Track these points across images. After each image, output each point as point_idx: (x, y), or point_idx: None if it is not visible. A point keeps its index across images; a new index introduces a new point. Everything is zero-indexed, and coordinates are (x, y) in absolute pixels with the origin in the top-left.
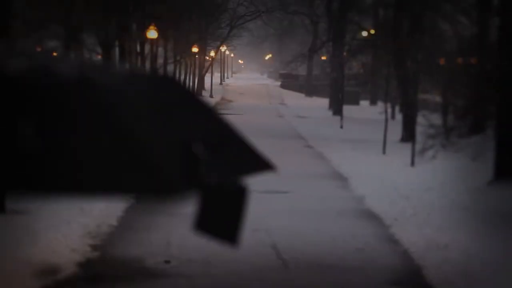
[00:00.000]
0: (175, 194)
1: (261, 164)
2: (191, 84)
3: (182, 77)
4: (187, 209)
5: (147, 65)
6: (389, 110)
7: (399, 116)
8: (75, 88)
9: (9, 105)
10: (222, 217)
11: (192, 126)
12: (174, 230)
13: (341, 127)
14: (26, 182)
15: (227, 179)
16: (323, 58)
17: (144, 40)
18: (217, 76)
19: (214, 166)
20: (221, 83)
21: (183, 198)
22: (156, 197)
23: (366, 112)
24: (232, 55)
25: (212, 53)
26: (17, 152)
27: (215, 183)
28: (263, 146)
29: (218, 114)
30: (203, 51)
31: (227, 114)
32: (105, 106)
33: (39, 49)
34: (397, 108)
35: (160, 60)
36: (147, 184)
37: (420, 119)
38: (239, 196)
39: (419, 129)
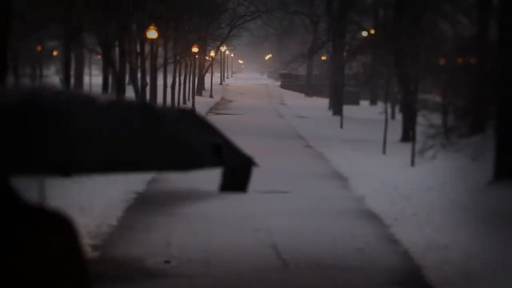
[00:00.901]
0: (204, 168)
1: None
2: (191, 84)
3: (182, 77)
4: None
5: (147, 65)
6: (389, 110)
7: (399, 116)
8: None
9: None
10: (238, 179)
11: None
12: (174, 230)
13: (341, 127)
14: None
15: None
16: (323, 58)
17: (144, 40)
18: (217, 76)
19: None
20: (221, 83)
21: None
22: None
23: (366, 112)
24: (232, 55)
25: (212, 53)
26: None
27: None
28: (263, 146)
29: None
30: (203, 51)
31: (227, 114)
32: (168, 124)
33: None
34: (397, 108)
35: (160, 60)
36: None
37: (420, 119)
38: (248, 165)
39: (419, 129)
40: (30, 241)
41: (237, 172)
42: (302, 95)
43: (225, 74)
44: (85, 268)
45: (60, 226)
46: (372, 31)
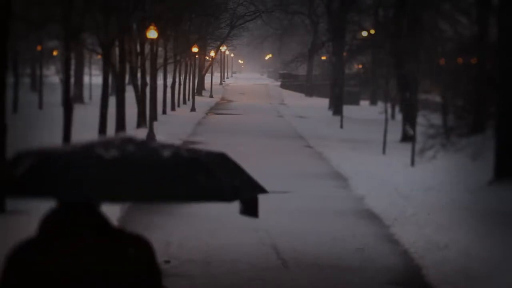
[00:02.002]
0: (227, 201)
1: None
2: (191, 84)
3: (182, 77)
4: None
5: (147, 65)
6: (389, 110)
7: (399, 116)
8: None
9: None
10: (251, 207)
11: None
12: (174, 230)
13: (341, 127)
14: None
15: (249, 194)
16: (323, 58)
17: (144, 40)
18: (217, 76)
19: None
20: (221, 83)
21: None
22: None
23: (366, 112)
24: (232, 55)
25: (212, 53)
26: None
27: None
28: (263, 146)
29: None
30: (203, 51)
31: (227, 114)
32: (203, 163)
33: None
34: (397, 108)
35: (160, 60)
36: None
37: (420, 119)
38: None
39: (419, 129)
40: (119, 259)
41: (250, 203)
42: (302, 95)
43: (225, 74)
44: (161, 281)
45: (143, 246)
46: (372, 31)
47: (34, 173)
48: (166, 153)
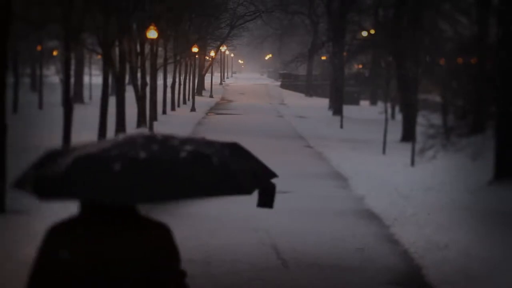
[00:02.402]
0: (246, 193)
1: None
2: (191, 84)
3: (182, 77)
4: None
5: (147, 65)
6: (389, 110)
7: (399, 116)
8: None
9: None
10: (268, 198)
11: (249, 162)
12: (174, 230)
13: (341, 127)
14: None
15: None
16: (323, 58)
17: (144, 40)
18: (217, 76)
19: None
20: (221, 83)
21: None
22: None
23: (366, 112)
24: (232, 55)
25: (212, 53)
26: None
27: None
28: (263, 146)
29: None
30: (203, 51)
31: (227, 114)
32: (220, 161)
33: (39, 49)
34: (397, 108)
35: (160, 60)
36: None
37: (420, 119)
38: (272, 188)
39: (419, 129)
40: (141, 242)
41: (267, 194)
42: (302, 95)
43: (225, 74)
44: (179, 265)
45: (163, 231)
46: (372, 31)
47: (71, 175)
48: (188, 150)
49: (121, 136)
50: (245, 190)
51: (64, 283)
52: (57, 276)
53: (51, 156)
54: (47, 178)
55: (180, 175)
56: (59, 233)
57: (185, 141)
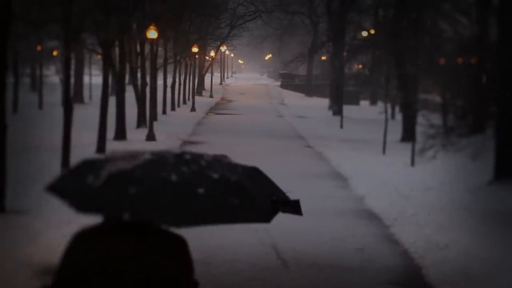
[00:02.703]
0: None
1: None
2: (191, 84)
3: (182, 77)
4: None
5: (147, 65)
6: (389, 110)
7: (399, 116)
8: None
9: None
10: (295, 208)
11: (268, 188)
12: (174, 230)
13: (341, 127)
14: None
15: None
16: (323, 58)
17: (144, 40)
18: (217, 76)
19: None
20: (221, 83)
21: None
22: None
23: (366, 112)
24: (232, 55)
25: (212, 53)
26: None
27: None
28: (264, 146)
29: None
30: (203, 51)
31: (227, 114)
32: (241, 183)
33: (39, 49)
34: (397, 108)
35: (160, 60)
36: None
37: (420, 119)
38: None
39: (419, 129)
40: (156, 252)
41: (294, 207)
42: (302, 95)
43: (225, 74)
44: (192, 274)
45: (180, 243)
46: (372, 31)
47: (105, 193)
48: (214, 176)
49: (151, 152)
50: (266, 219)
51: (84, 284)
52: (80, 277)
53: (88, 166)
54: (83, 194)
55: (210, 203)
56: (84, 238)
57: (212, 162)
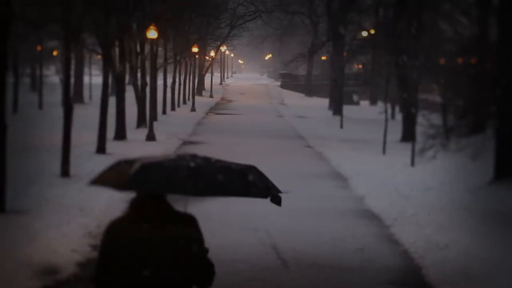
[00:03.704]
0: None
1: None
2: (191, 84)
3: (182, 77)
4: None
5: (147, 65)
6: (389, 110)
7: (399, 116)
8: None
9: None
10: (277, 197)
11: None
12: None
13: (341, 127)
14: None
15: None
16: (323, 58)
17: (144, 40)
18: (217, 76)
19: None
20: (221, 83)
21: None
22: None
23: (366, 112)
24: (232, 55)
25: (212, 53)
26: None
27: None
28: (263, 146)
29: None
30: (203, 51)
31: (227, 114)
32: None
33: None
34: (397, 108)
35: (160, 60)
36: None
37: (420, 119)
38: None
39: (419, 129)
40: (179, 228)
41: (277, 197)
42: (302, 95)
43: (225, 74)
44: (203, 243)
45: (192, 220)
46: (372, 31)
47: (139, 175)
48: (222, 165)
49: (173, 155)
50: (263, 195)
51: (124, 263)
52: (119, 258)
53: (122, 162)
54: (122, 177)
55: (220, 180)
56: (115, 230)
57: (218, 159)
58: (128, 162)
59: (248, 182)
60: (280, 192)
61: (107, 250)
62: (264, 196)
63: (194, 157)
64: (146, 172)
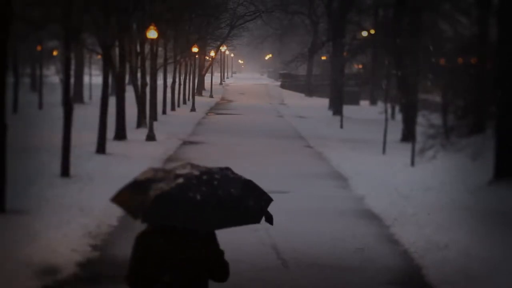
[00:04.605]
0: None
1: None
2: (191, 84)
3: (182, 77)
4: None
5: (147, 65)
6: (389, 110)
7: (399, 116)
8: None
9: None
10: (269, 217)
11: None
12: None
13: (341, 127)
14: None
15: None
16: (323, 58)
17: (144, 40)
18: (217, 76)
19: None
20: (221, 83)
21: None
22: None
23: (366, 112)
24: (232, 55)
25: (212, 53)
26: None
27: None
28: (264, 146)
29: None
30: (203, 51)
31: (228, 114)
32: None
33: (39, 49)
34: (397, 108)
35: (160, 60)
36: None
37: (420, 119)
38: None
39: (419, 129)
40: (196, 241)
41: (269, 217)
42: (302, 95)
43: (225, 74)
44: (219, 246)
45: (209, 231)
46: (372, 31)
47: (153, 210)
48: (222, 193)
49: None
50: (257, 221)
51: (152, 271)
52: (147, 267)
53: (138, 184)
54: (137, 208)
55: (221, 213)
56: (146, 237)
57: (220, 179)
58: (142, 187)
59: (246, 211)
60: (271, 200)
61: (136, 257)
62: (258, 220)
63: (199, 179)
64: (159, 206)
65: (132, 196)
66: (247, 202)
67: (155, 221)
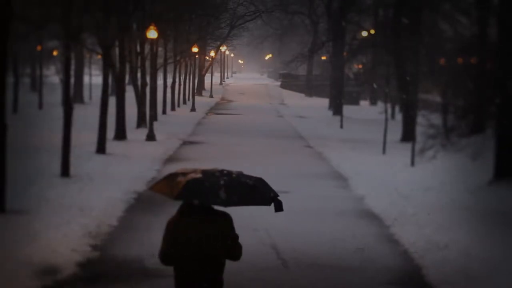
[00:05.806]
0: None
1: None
2: (191, 84)
3: (182, 77)
4: None
5: (147, 65)
6: (389, 110)
7: (399, 116)
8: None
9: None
10: (279, 205)
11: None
12: None
13: (341, 127)
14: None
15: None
16: (323, 58)
17: (144, 40)
18: (217, 76)
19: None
20: (221, 83)
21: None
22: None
23: (366, 112)
24: (232, 55)
25: (212, 53)
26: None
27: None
28: (264, 146)
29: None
30: (203, 51)
31: (228, 114)
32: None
33: (39, 49)
34: (397, 108)
35: (160, 60)
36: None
37: (420, 119)
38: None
39: (419, 129)
40: (220, 222)
41: (279, 204)
42: (302, 95)
43: (225, 74)
44: (234, 230)
45: (227, 215)
46: (372, 31)
47: (187, 189)
48: (241, 180)
49: (206, 173)
50: (267, 203)
51: (179, 249)
52: (177, 250)
53: (173, 175)
54: (173, 190)
55: (239, 192)
56: (174, 221)
57: (237, 175)
58: (175, 177)
59: (261, 195)
60: (278, 195)
61: (168, 240)
62: (270, 202)
63: (221, 172)
64: (190, 187)
65: (168, 184)
66: (260, 188)
67: (186, 199)
